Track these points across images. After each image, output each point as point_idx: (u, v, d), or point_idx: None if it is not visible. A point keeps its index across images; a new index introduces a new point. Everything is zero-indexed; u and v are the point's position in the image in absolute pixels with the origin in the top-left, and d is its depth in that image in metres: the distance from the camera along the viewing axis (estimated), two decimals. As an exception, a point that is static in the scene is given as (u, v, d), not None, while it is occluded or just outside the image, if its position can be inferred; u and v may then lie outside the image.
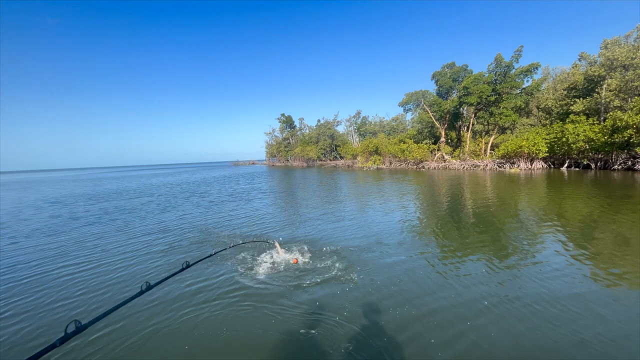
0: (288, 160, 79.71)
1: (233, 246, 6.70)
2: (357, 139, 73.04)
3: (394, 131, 68.49)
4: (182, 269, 2.51)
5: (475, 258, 6.34)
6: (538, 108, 36.99)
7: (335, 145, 72.22)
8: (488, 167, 32.68)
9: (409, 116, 67.05)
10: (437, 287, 4.98)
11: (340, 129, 79.43)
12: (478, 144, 36.24)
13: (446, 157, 37.63)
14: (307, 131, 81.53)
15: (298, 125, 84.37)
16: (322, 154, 72.27)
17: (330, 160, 71.03)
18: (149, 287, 1.89)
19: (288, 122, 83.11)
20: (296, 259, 6.36)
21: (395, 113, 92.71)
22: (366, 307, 4.37)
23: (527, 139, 29.66)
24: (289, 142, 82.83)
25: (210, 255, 4.02)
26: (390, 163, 44.01)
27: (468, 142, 36.55)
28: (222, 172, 52.58)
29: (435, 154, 38.84)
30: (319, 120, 79.77)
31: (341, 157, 65.88)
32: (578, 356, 3.30)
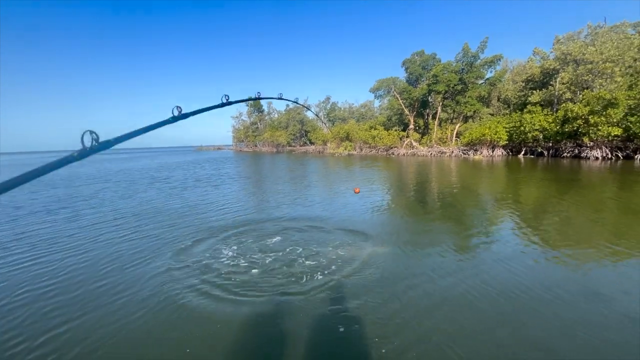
0: (256, 146, 77.52)
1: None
2: (327, 125, 72.72)
3: (362, 117, 68.97)
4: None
5: (439, 240, 6.55)
6: (498, 98, 38.99)
7: (305, 131, 71.32)
8: (454, 154, 34.11)
9: (377, 103, 67.84)
10: (401, 271, 5.02)
11: (310, 114, 78.44)
12: (444, 132, 37.58)
13: (414, 144, 38.66)
14: (276, 116, 79.55)
15: (266, 110, 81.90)
16: (291, 139, 71.11)
17: (300, 145, 70.20)
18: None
19: (256, 106, 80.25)
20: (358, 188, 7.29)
21: (364, 99, 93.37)
22: (330, 291, 4.35)
23: (490, 127, 31.23)
24: (257, 127, 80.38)
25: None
26: (361, 149, 44.38)
27: (435, 129, 37.75)
28: (185, 158, 49.77)
29: (404, 141, 39.73)
30: (288, 105, 77.97)
31: (311, 143, 65.30)
32: (530, 325, 3.56)
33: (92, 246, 6.68)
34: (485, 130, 31.16)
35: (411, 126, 40.10)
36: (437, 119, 38.38)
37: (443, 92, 35.45)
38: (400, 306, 3.95)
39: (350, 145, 45.81)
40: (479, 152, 32.40)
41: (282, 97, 2.96)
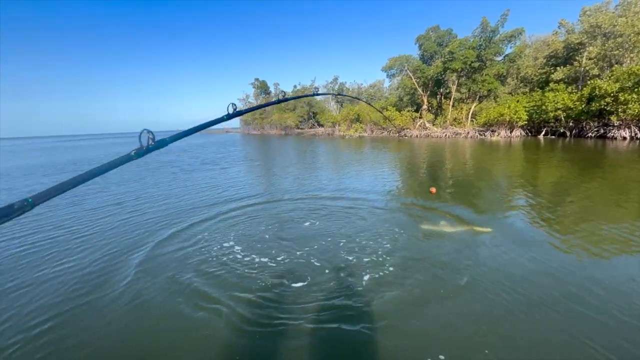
0: (264, 128, 76.70)
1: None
2: (335, 107, 71.17)
3: (372, 98, 67.15)
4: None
5: (451, 223, 6.10)
6: (517, 76, 37.14)
7: (314, 113, 70.02)
8: (469, 135, 32.95)
9: (387, 83, 65.80)
10: (410, 254, 4.68)
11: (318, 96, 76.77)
12: (459, 112, 36.23)
13: (428, 125, 37.47)
14: (284, 98, 78.05)
15: (273, 92, 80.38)
16: (300, 121, 70.01)
17: (309, 128, 69.14)
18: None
19: (262, 88, 78.80)
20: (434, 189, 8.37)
21: (373, 79, 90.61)
22: (341, 270, 4.31)
23: (509, 106, 29.85)
24: (265, 109, 79.22)
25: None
26: (372, 131, 43.33)
27: (450, 110, 36.39)
28: (194, 141, 49.51)
29: (417, 122, 38.53)
30: (295, 86, 76.14)
31: (320, 125, 64.20)
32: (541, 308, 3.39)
33: (93, 230, 6.49)
34: (503, 110, 29.81)
35: (424, 106, 38.73)
36: (451, 99, 36.92)
37: (459, 70, 33.83)
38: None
39: (361, 127, 44.74)
40: (496, 133, 31.19)
41: (342, 94, 2.79)
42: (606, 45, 25.98)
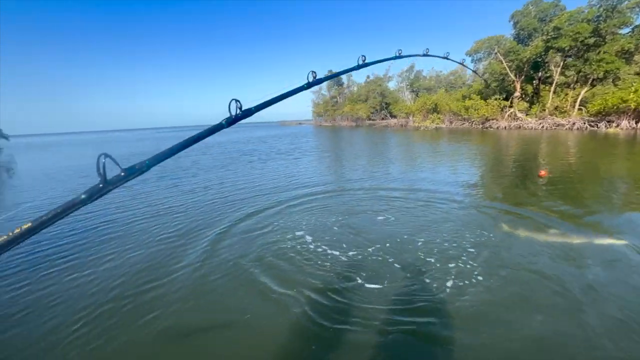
0: (335, 120, 77.40)
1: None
2: (410, 96, 67.49)
3: (451, 86, 61.55)
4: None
5: (555, 228, 5.12)
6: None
7: (386, 103, 67.69)
8: (575, 127, 27.65)
9: (469, 71, 59.35)
10: (502, 262, 3.83)
11: (392, 85, 73.83)
12: (563, 99, 30.64)
13: (519, 115, 32.72)
14: (356, 89, 77.32)
15: (346, 83, 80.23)
16: (371, 112, 68.56)
17: (381, 119, 67.25)
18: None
19: (336, 79, 79.28)
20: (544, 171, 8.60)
21: (454, 66, 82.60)
22: (421, 274, 3.54)
23: (636, 90, 23.98)
24: (337, 101, 79.79)
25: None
26: (451, 122, 39.89)
27: (550, 97, 31.05)
28: (269, 132, 52.97)
29: (506, 112, 33.98)
30: (368, 77, 74.56)
31: (392, 116, 61.84)
32: None
33: (184, 209, 7.44)
34: (627, 95, 24.09)
35: (517, 93, 33.83)
36: (553, 84, 31.40)
37: (566, 49, 28.40)
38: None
39: (439, 118, 41.57)
40: (614, 124, 25.50)
41: (448, 57, 2.48)
42: None
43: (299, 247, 4.91)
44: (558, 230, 5.08)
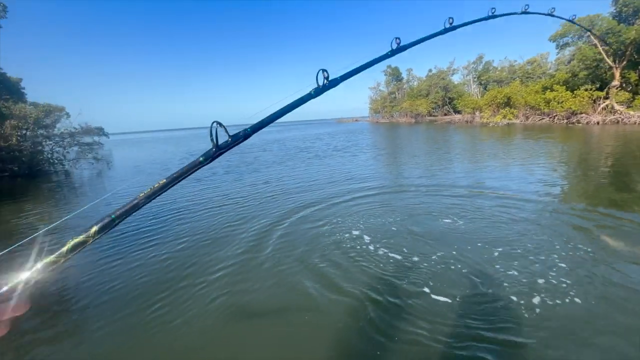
0: (393, 117, 74.96)
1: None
2: (477, 90, 61.99)
3: (528, 77, 54.73)
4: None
5: (627, 244, 3.91)
6: None
7: (450, 98, 63.31)
8: (699, 121, 22.44)
9: (552, 56, 52.09)
10: (603, 282, 2.90)
11: (457, 78, 68.72)
12: (681, 88, 25.03)
13: (617, 107, 27.69)
14: (416, 83, 73.78)
15: (405, 77, 77.11)
16: (432, 108, 64.80)
17: (444, 115, 63.13)
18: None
19: (394, 75, 76.75)
20: None
21: (532, 54, 73.09)
22: (500, 289, 2.80)
23: None
24: (395, 97, 77.19)
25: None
26: (527, 117, 35.55)
27: (663, 85, 25.62)
28: (325, 130, 53.52)
29: (600, 104, 29.06)
30: (430, 70, 70.51)
31: (457, 112, 57.56)
32: None
33: (246, 202, 7.95)
34: None
35: (615, 82, 28.63)
36: (667, 69, 25.81)
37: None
38: None
39: (512, 113, 37.40)
40: None
41: (553, 14, 2.05)
42: None
43: (358, 247, 4.80)
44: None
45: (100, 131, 21.11)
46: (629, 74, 29.56)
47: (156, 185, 0.65)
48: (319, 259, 4.48)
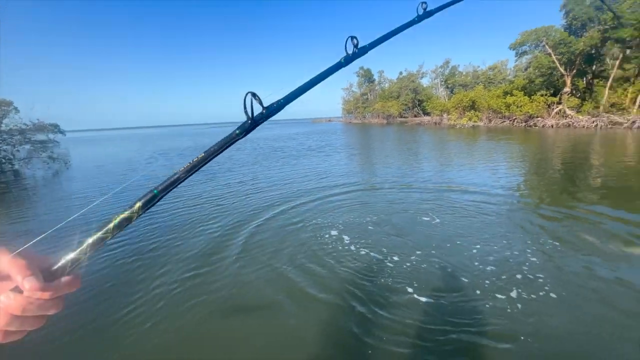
0: (365, 117, 76.34)
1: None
2: (444, 93, 64.81)
3: (490, 82, 58.17)
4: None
5: (592, 238, 4.57)
6: None
7: (419, 100, 65.61)
8: (636, 126, 24.97)
9: (511, 63, 55.71)
10: (576, 276, 3.19)
11: (425, 81, 71.36)
12: (621, 96, 27.80)
13: (569, 112, 30.17)
14: (387, 85, 75.67)
15: (377, 79, 78.80)
16: (403, 109, 66.79)
17: (414, 116, 65.30)
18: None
19: (366, 76, 78.16)
20: None
21: (493, 60, 77.82)
22: (481, 288, 2.93)
23: None
24: (367, 98, 78.63)
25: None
26: (490, 120, 37.73)
27: (606, 93, 28.28)
28: (301, 129, 53.45)
29: (553, 109, 31.49)
30: (400, 73, 72.64)
31: (426, 114, 59.81)
32: None
33: (221, 203, 7.58)
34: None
35: (567, 89, 31.19)
36: (610, 79, 28.56)
37: (627, 39, 25.65)
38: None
39: (476, 116, 39.49)
40: (684, 123, 22.69)
41: None
42: None
43: (340, 247, 4.75)
44: (630, 238, 4.50)
45: (55, 128, 19.37)
46: (578, 82, 32.37)
47: (195, 160, 0.67)
48: (298, 259, 4.40)
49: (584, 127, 27.90)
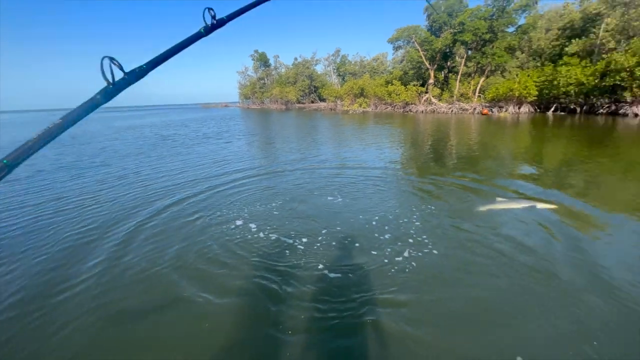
0: (264, 103, 74.96)
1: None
2: (337, 80, 69.15)
3: (374, 72, 65.08)
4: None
5: (453, 199, 5.90)
6: (528, 49, 35.68)
7: (315, 87, 68.17)
8: (476, 111, 32.18)
9: (390, 56, 63.63)
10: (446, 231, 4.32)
11: (319, 68, 74.39)
12: (467, 87, 35.18)
13: (434, 100, 36.50)
14: (284, 70, 75.67)
15: (273, 64, 77.79)
16: (301, 95, 68.29)
17: (311, 102, 67.57)
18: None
19: (262, 60, 76.13)
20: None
21: (377, 52, 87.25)
22: (383, 257, 3.65)
23: (519, 81, 28.89)
24: (264, 83, 77.05)
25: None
26: (376, 106, 42.31)
27: (457, 84, 35.30)
28: (194, 115, 48.57)
29: (422, 97, 37.51)
30: (296, 59, 73.56)
31: (322, 100, 62.70)
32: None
33: (94, 202, 6.30)
34: (513, 85, 28.90)
35: (431, 81, 37.50)
36: (459, 74, 35.72)
37: (469, 42, 32.41)
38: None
39: (365, 102, 43.65)
40: (504, 109, 30.45)
41: None
42: (626, 15, 24.68)
43: (249, 236, 4.54)
44: (485, 197, 5.80)
45: None
46: (439, 75, 39.25)
47: (51, 125, 0.61)
48: (199, 256, 3.99)
49: (443, 112, 34.28)
